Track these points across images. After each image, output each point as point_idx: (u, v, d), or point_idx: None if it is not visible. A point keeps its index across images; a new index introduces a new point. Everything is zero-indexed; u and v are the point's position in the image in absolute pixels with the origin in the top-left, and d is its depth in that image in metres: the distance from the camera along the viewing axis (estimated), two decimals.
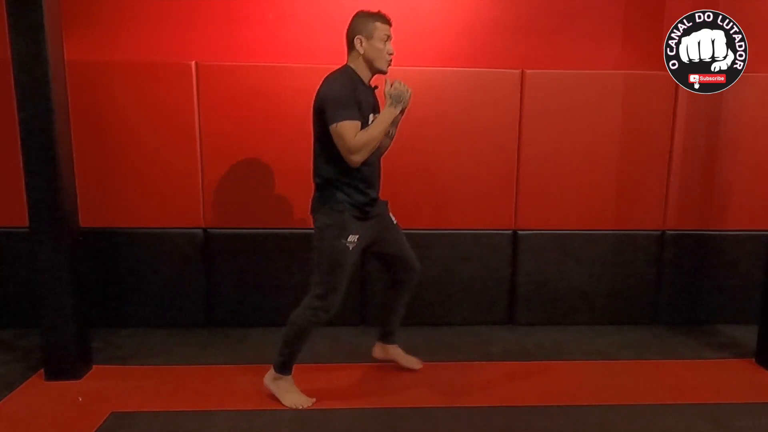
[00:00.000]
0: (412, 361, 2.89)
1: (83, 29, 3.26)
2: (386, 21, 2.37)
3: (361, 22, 2.35)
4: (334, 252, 2.40)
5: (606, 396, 2.69)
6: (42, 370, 2.77)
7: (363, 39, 2.35)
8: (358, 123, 2.29)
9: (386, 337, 2.88)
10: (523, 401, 2.63)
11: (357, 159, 2.29)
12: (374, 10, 2.39)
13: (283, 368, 2.56)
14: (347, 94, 2.29)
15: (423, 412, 2.53)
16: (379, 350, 2.91)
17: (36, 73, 2.50)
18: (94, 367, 2.89)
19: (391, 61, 2.40)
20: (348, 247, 2.41)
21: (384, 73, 2.41)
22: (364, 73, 2.40)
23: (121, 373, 2.85)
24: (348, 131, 2.26)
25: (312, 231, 2.49)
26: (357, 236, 2.43)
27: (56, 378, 2.73)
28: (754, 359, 3.05)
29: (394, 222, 2.66)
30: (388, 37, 2.37)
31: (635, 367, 3.00)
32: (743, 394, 2.72)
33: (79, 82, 3.04)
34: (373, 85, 2.48)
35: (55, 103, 2.56)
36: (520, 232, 3.43)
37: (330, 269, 2.42)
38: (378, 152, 2.52)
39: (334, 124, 2.26)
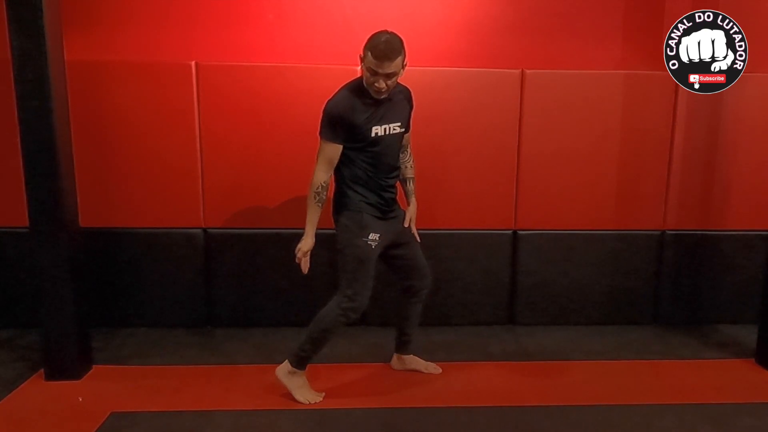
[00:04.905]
0: (431, 367, 2.90)
1: (83, 29, 3.26)
2: (377, 56, 2.24)
3: (367, 42, 2.31)
4: (357, 251, 2.45)
5: (606, 396, 2.69)
6: (42, 370, 2.77)
7: (362, 59, 2.33)
8: (335, 147, 2.40)
9: (401, 348, 2.89)
10: (523, 401, 2.63)
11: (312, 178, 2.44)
12: (382, 35, 2.29)
13: (301, 364, 2.58)
14: (339, 112, 2.35)
15: (423, 412, 2.53)
16: (396, 362, 2.92)
17: (36, 73, 2.50)
18: (94, 367, 2.89)
19: (377, 93, 2.33)
20: (370, 245, 2.47)
21: (376, 99, 2.37)
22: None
23: (121, 373, 2.85)
24: (321, 152, 2.42)
25: (332, 232, 2.53)
26: (378, 234, 2.48)
27: (56, 378, 2.73)
28: (754, 359, 3.05)
29: (413, 232, 2.68)
30: (374, 72, 2.27)
31: (635, 367, 3.00)
32: (743, 394, 2.72)
33: (79, 82, 3.03)
34: (388, 96, 2.42)
35: (55, 103, 2.56)
36: (520, 232, 3.43)
37: (356, 269, 2.47)
38: (392, 158, 2.54)
39: (320, 138, 2.42)
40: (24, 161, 2.58)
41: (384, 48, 2.25)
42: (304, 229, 2.48)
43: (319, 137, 2.41)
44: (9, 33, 2.47)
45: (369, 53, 2.28)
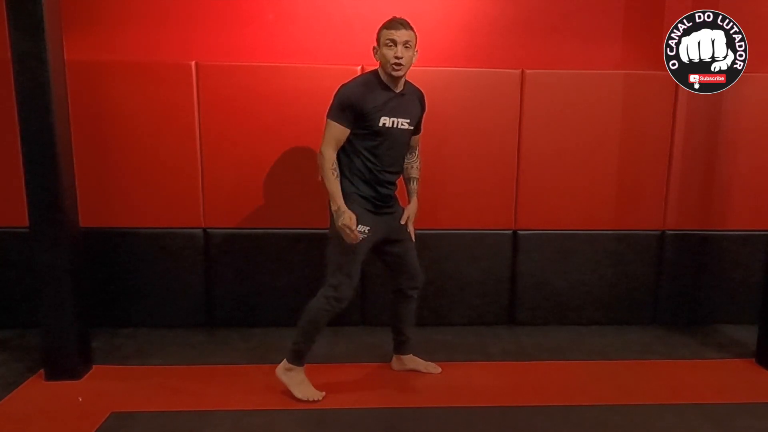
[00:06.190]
0: (431, 367, 2.90)
1: (83, 29, 3.26)
2: (392, 26, 2.39)
3: (378, 31, 2.44)
4: (342, 243, 2.45)
5: (606, 396, 2.69)
6: (42, 370, 2.77)
7: (376, 47, 2.45)
8: (342, 130, 2.42)
9: (400, 348, 2.89)
10: (523, 401, 2.63)
11: (318, 157, 2.46)
12: (392, 17, 2.44)
13: (296, 358, 2.59)
14: (351, 96, 2.40)
15: (423, 412, 2.53)
16: (395, 362, 2.92)
17: (36, 73, 2.50)
18: (94, 367, 2.89)
19: (396, 65, 2.39)
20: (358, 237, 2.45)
21: (395, 77, 2.44)
22: (386, 77, 2.46)
23: (121, 373, 2.85)
24: (328, 132, 2.43)
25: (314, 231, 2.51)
26: (368, 227, 2.47)
27: (56, 378, 2.73)
28: (754, 359, 3.05)
29: (410, 230, 2.68)
30: (393, 42, 2.37)
31: (635, 367, 3.00)
32: (743, 394, 2.72)
33: (79, 82, 3.04)
34: (400, 92, 2.49)
35: (55, 103, 2.56)
36: (520, 232, 3.43)
37: (341, 258, 2.48)
38: (395, 154, 2.55)
39: (327, 118, 2.45)
40: (24, 161, 2.58)
41: (397, 18, 2.42)
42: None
43: (326, 118, 2.43)
44: (9, 33, 2.47)
45: (384, 30, 2.41)
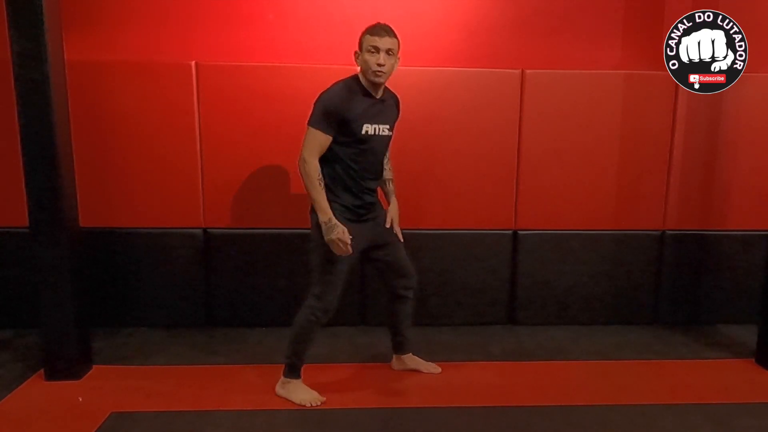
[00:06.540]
0: (431, 367, 2.89)
1: (83, 29, 3.26)
2: (376, 32, 2.35)
3: (361, 36, 2.41)
4: (325, 252, 2.43)
5: (606, 396, 2.69)
6: (42, 370, 2.77)
7: (358, 52, 2.42)
8: (325, 137, 2.37)
9: (399, 348, 2.89)
10: (523, 401, 2.63)
11: (301, 165, 2.38)
12: (376, 22, 2.40)
13: (291, 372, 2.59)
14: (334, 104, 2.36)
15: (423, 412, 2.53)
16: (396, 362, 2.92)
17: (36, 73, 2.50)
18: (94, 367, 2.89)
19: (377, 72, 2.35)
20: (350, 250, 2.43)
21: (376, 83, 2.40)
22: (367, 83, 2.43)
23: (121, 373, 2.85)
24: (311, 139, 2.37)
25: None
26: (350, 238, 2.41)
27: (56, 378, 2.73)
28: (754, 359, 3.05)
29: (396, 232, 2.65)
30: (376, 48, 2.33)
31: (635, 367, 3.00)
32: (743, 394, 2.72)
33: (79, 82, 3.03)
34: (380, 98, 2.47)
35: (55, 103, 2.56)
36: (520, 232, 3.43)
37: (322, 269, 2.47)
38: (377, 160, 2.53)
39: (308, 126, 2.39)
40: (24, 161, 2.58)
41: (381, 25, 2.38)
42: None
43: (307, 126, 2.38)
44: (9, 33, 2.47)
45: (367, 35, 2.38)
